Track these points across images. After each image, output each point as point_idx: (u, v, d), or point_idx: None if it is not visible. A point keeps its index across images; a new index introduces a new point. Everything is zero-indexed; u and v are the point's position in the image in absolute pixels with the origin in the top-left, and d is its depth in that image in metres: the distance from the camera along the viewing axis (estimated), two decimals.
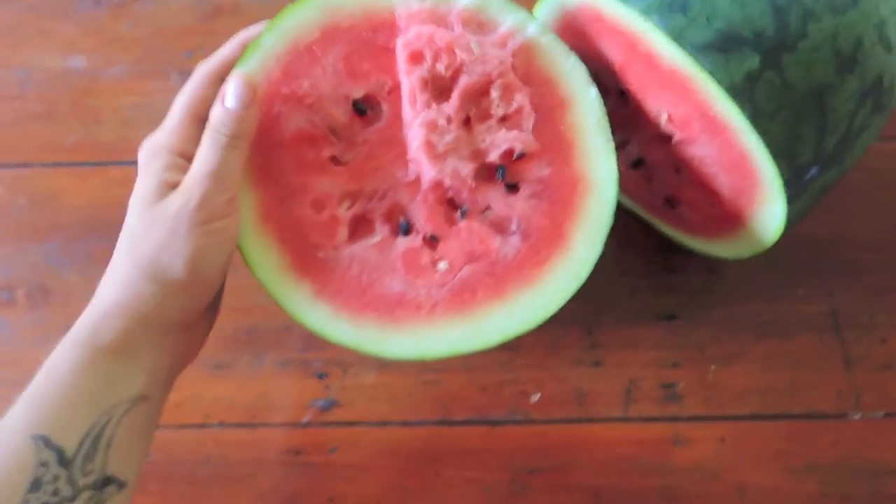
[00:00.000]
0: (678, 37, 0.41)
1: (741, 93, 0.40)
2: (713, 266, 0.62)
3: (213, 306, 0.47)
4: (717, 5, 0.41)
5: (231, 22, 0.69)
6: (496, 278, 0.46)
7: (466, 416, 0.60)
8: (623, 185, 0.58)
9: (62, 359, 0.40)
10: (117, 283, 0.41)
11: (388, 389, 0.60)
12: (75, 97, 0.67)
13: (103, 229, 0.64)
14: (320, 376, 0.61)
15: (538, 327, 0.46)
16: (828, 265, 0.62)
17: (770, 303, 0.61)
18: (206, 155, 0.41)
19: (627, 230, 0.63)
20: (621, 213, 0.63)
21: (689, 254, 0.60)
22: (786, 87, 0.41)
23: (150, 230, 0.41)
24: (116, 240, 0.43)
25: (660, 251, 0.63)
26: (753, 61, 0.40)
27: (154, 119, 0.66)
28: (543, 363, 0.61)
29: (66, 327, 0.60)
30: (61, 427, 0.38)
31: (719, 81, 0.40)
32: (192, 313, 0.43)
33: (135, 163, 0.46)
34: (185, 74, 0.66)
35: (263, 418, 0.60)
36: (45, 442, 0.37)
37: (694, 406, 0.59)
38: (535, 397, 0.60)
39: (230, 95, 0.42)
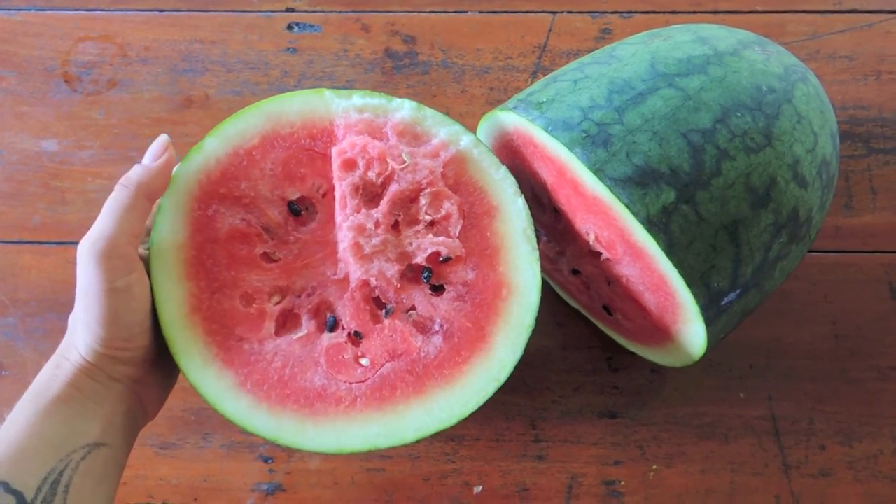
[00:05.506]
0: (599, 170, 0.43)
1: (657, 224, 0.42)
2: (656, 367, 0.63)
3: (163, 365, 0.48)
4: (637, 142, 0.43)
5: (200, 114, 0.71)
6: (416, 376, 0.47)
7: None
8: (567, 288, 0.60)
9: (21, 410, 0.42)
10: (67, 339, 0.45)
11: (332, 476, 0.61)
12: (44, 178, 0.69)
13: (60, 307, 0.65)
14: (266, 460, 0.61)
15: (453, 427, 0.47)
16: (768, 371, 0.63)
17: (711, 405, 0.62)
18: (107, 202, 0.44)
19: (574, 329, 0.65)
20: (569, 312, 0.64)
21: (632, 354, 0.61)
22: (700, 221, 0.43)
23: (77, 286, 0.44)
24: None
25: (604, 350, 0.64)
26: (669, 196, 0.42)
27: None
28: (487, 455, 0.61)
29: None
30: (20, 473, 0.40)
31: (636, 214, 0.42)
32: (132, 367, 0.45)
33: None
34: None
35: (207, 500, 0.60)
36: (5, 487, 0.39)
37: None
38: (478, 489, 0.61)
39: (146, 157, 0.46)
